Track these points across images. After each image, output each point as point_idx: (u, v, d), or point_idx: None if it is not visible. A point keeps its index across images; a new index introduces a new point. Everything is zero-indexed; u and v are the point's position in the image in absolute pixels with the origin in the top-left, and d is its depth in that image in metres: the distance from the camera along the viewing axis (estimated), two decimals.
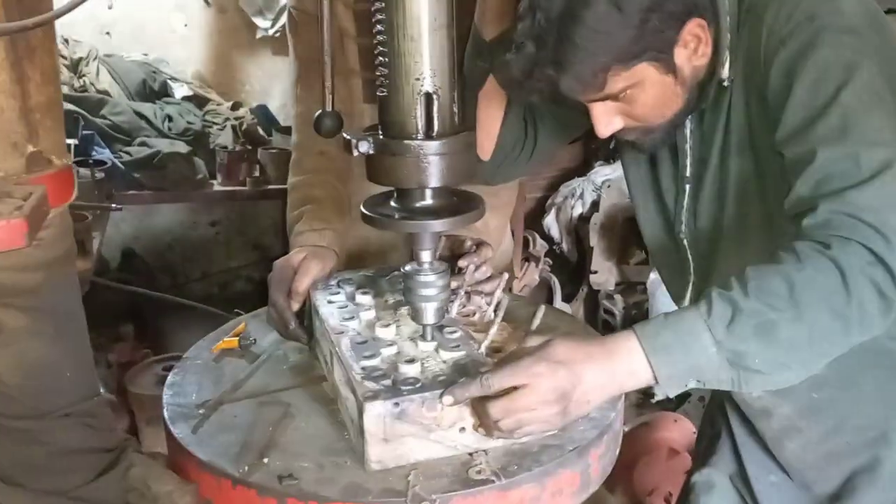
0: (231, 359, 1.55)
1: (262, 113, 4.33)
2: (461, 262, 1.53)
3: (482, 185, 1.80)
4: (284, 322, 1.50)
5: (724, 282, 1.20)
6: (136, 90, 4.10)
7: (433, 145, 1.17)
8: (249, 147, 3.93)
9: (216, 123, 4.12)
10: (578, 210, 4.28)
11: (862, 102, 1.18)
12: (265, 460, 1.21)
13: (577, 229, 4.28)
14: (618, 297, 4.03)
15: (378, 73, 1.20)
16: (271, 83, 4.64)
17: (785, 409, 1.53)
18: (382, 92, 1.20)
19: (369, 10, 1.18)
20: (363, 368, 1.25)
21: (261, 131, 4.22)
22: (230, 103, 4.32)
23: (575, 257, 4.30)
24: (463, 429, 1.21)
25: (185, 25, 4.44)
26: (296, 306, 1.52)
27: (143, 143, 3.73)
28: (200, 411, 1.35)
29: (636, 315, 3.94)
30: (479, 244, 1.59)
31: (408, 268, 1.30)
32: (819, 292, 1.13)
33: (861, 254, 1.13)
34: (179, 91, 4.22)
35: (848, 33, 1.22)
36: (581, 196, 4.29)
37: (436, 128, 1.17)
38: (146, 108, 3.91)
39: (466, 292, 1.49)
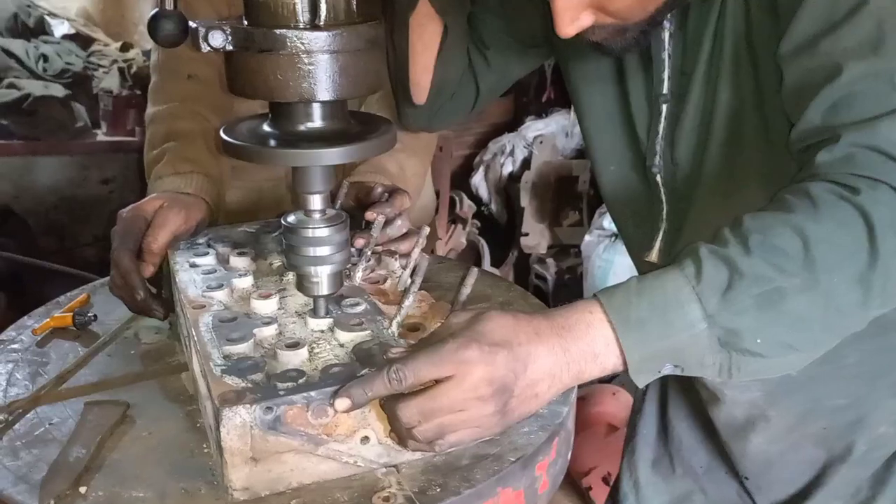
0: (62, 341, 1.17)
1: None
2: (369, 214, 1.18)
3: (413, 132, 1.47)
4: (131, 290, 1.12)
5: (714, 233, 0.89)
6: (5, 26, 3.57)
7: (320, 38, 0.81)
8: (139, 92, 3.45)
9: (102, 66, 3.62)
10: (508, 168, 3.98)
11: None
12: (82, 489, 0.85)
13: (507, 189, 3.98)
14: (550, 261, 3.75)
15: None
16: None
17: (752, 394, 1.27)
18: None
19: None
20: (225, 357, 0.90)
21: None
22: (119, 44, 3.82)
23: (504, 219, 4.01)
24: (366, 438, 0.87)
25: None
26: (149, 270, 1.15)
27: (11, 85, 3.22)
28: (1, 416, 0.97)
29: (569, 280, 3.67)
30: (393, 191, 1.24)
31: (291, 218, 0.95)
32: (840, 251, 0.85)
33: (891, 200, 0.85)
34: (59, 29, 3.71)
35: None
36: (511, 153, 3.99)
37: (323, 12, 0.81)
38: (16, 45, 3.39)
39: (376, 253, 1.15)
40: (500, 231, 4.02)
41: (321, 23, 0.82)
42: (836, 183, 0.87)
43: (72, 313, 1.18)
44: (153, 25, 0.92)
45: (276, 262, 1.16)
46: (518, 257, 3.87)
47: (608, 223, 3.30)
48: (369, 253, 1.12)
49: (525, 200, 3.80)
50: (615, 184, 1.33)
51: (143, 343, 1.16)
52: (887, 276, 0.85)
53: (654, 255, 1.29)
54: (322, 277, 0.95)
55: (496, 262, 3.86)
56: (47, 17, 3.70)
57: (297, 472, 0.85)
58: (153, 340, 1.17)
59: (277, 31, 0.80)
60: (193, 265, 1.13)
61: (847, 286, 0.85)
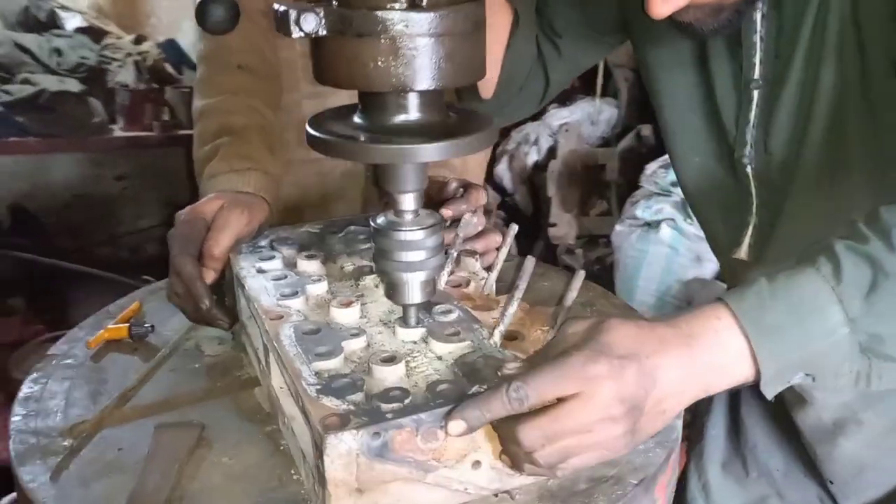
0: (118, 355, 1.08)
1: (172, 48, 3.75)
2: (445, 211, 1.09)
3: None
4: (195, 300, 1.04)
5: (853, 226, 0.80)
6: (17, 20, 3.47)
7: (425, 19, 0.72)
8: (156, 86, 3.36)
9: (116, 60, 3.53)
10: (533, 157, 3.89)
11: None
12: None
13: (532, 179, 3.89)
14: (578, 251, 3.67)
15: None
16: (181, 16, 4.03)
17: (844, 396, 1.18)
18: None
19: None
20: (317, 374, 0.81)
21: (169, 68, 3.65)
22: (132, 37, 3.73)
23: (530, 210, 3.92)
24: (477, 463, 0.79)
25: None
26: (210, 276, 1.06)
27: (25, 81, 3.14)
28: (66, 442, 0.89)
29: (598, 270, 3.58)
30: (467, 186, 1.15)
31: (380, 220, 0.86)
32: None
33: None
34: (71, 22, 3.61)
35: None
36: (536, 142, 3.90)
37: None
38: (29, 39, 3.30)
39: (456, 253, 1.06)
40: (525, 222, 3.92)
41: (423, 3, 0.73)
42: None
43: (127, 324, 1.10)
44: (202, 11, 0.84)
45: (348, 265, 1.07)
46: (545, 248, 3.78)
47: (641, 212, 3.20)
48: (455, 254, 1.03)
49: (551, 190, 3.71)
50: (699, 177, 1.24)
51: (207, 356, 1.08)
52: None
53: (742, 252, 1.21)
54: (414, 285, 0.86)
55: (522, 253, 3.77)
56: (58, 11, 3.60)
57: (404, 502, 0.77)
58: (217, 353, 1.08)
59: (378, 13, 0.71)
60: (261, 270, 1.04)
61: None
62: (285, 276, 1.02)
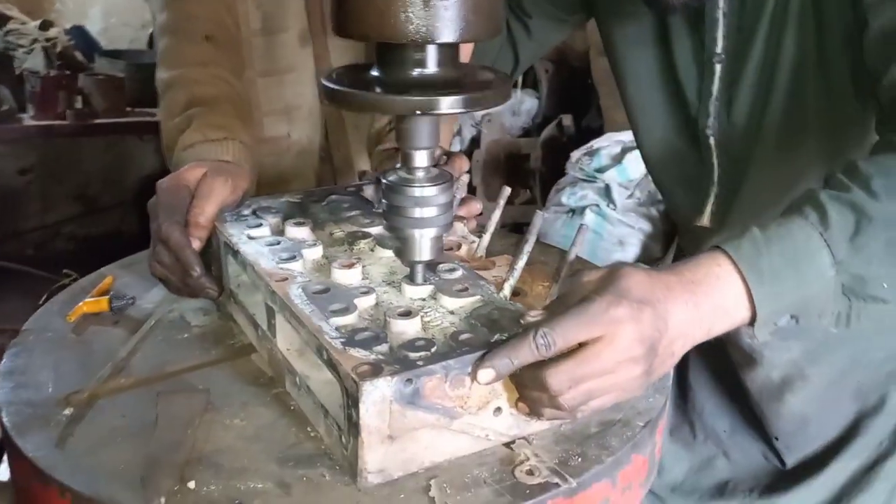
0: (100, 328, 1.05)
1: (80, 35, 3.59)
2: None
3: None
4: (184, 268, 1.01)
5: (831, 178, 0.87)
6: None
7: None
8: (68, 72, 3.21)
9: (21, 46, 3.35)
10: (457, 147, 3.92)
11: None
12: (191, 484, 0.75)
13: None
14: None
15: None
16: (88, 1, 3.88)
17: (791, 354, 1.27)
18: None
19: None
20: (337, 330, 0.81)
21: (79, 56, 3.50)
22: (38, 22, 3.55)
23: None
24: (498, 409, 0.81)
25: None
26: (197, 245, 1.04)
27: None
28: (65, 411, 0.86)
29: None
30: (450, 154, 1.17)
31: (393, 177, 0.87)
32: None
33: None
34: None
35: None
36: (459, 133, 3.93)
37: None
38: None
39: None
40: None
41: None
42: None
43: (107, 297, 1.06)
44: None
45: (337, 231, 1.07)
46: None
47: (566, 199, 3.29)
48: (452, 215, 1.04)
49: (476, 180, 3.76)
50: (662, 150, 1.30)
51: (195, 326, 1.05)
52: None
53: (705, 220, 1.27)
54: (425, 241, 0.88)
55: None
56: None
57: (431, 449, 0.78)
58: (204, 323, 1.06)
59: None
60: (251, 237, 1.03)
61: None
62: (278, 242, 1.01)
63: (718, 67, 1.15)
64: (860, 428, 1.29)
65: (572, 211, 3.34)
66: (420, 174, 0.86)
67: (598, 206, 3.20)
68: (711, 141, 1.20)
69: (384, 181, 0.87)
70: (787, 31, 1.07)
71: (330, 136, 1.58)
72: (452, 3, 0.74)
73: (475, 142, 3.86)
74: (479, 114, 3.89)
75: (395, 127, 0.84)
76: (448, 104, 0.78)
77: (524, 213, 3.78)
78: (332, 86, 0.80)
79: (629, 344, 0.76)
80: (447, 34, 0.75)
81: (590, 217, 3.26)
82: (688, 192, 1.28)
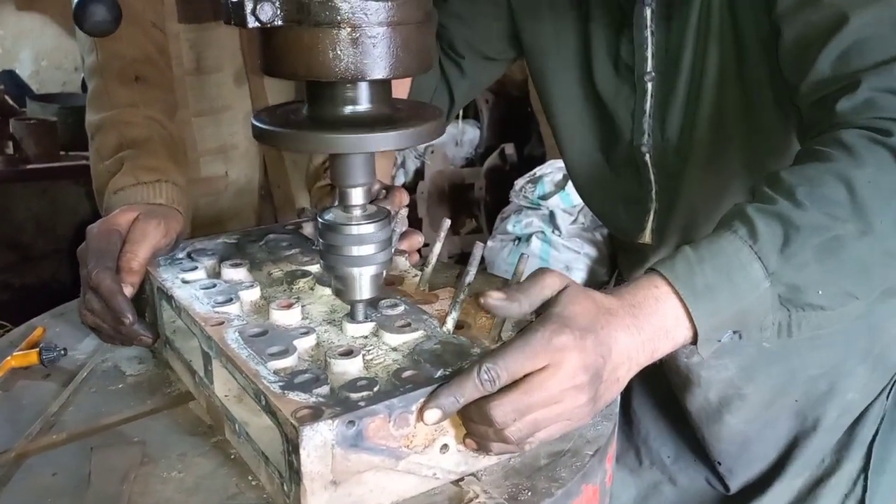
0: (29, 382, 1.00)
1: (11, 79, 3.51)
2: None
3: None
4: (116, 315, 0.98)
5: (757, 191, 0.89)
6: None
7: (383, 8, 0.73)
8: None
9: None
10: (401, 180, 3.94)
11: None
12: None
13: None
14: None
15: None
16: (18, 45, 3.80)
17: (727, 372, 1.29)
18: None
19: None
20: (276, 373, 0.79)
21: (10, 101, 3.41)
22: None
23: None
24: (445, 447, 0.80)
25: None
26: (129, 291, 1.00)
27: None
28: None
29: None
30: (389, 188, 1.16)
31: (329, 216, 0.86)
32: (885, 193, 0.87)
33: None
34: None
35: None
36: (403, 165, 3.95)
37: None
38: None
39: (393, 250, 1.06)
40: None
41: None
42: (864, 128, 0.89)
43: (37, 349, 1.02)
44: (81, 12, 0.80)
45: (276, 271, 1.05)
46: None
47: (511, 227, 3.32)
48: (392, 251, 1.03)
49: (422, 211, 3.76)
50: (594, 172, 1.32)
51: (129, 375, 1.02)
52: None
53: (646, 237, 1.29)
54: (364, 279, 0.86)
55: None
56: None
57: (377, 492, 0.76)
58: (139, 371, 1.03)
59: (336, 2, 0.72)
60: (185, 281, 1.00)
61: (894, 226, 0.87)
62: (214, 285, 0.98)
63: (650, 85, 1.17)
64: (800, 447, 1.30)
65: (518, 239, 3.36)
66: (356, 212, 0.85)
67: (543, 232, 3.23)
68: (647, 158, 1.21)
69: (321, 220, 0.85)
70: (711, 45, 1.09)
71: (269, 174, 1.56)
72: (381, 39, 0.73)
73: (419, 173, 3.87)
74: (421, 146, 3.91)
75: (329, 165, 0.83)
76: (379, 141, 0.78)
77: (470, 243, 3.78)
78: (261, 125, 0.79)
79: (573, 372, 0.76)
80: (377, 71, 0.75)
81: (536, 244, 3.28)
82: (629, 211, 1.30)
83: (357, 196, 0.84)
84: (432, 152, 3.83)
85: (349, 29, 0.72)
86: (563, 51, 1.25)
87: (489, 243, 3.45)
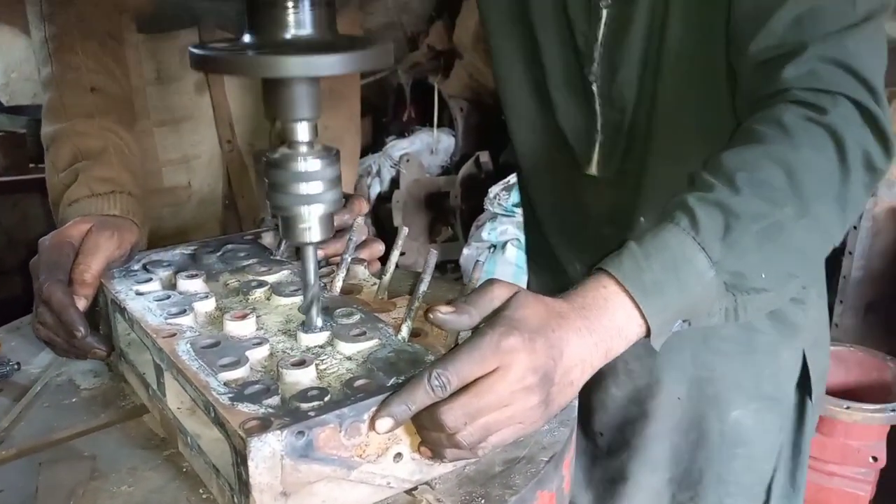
0: None
1: None
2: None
3: None
4: (68, 329, 0.96)
5: (697, 177, 0.89)
6: None
7: None
8: None
9: None
10: (376, 189, 3.93)
11: None
12: None
13: (376, 210, 3.91)
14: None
15: None
16: None
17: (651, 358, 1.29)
18: None
19: None
20: (226, 385, 0.78)
21: None
22: None
23: None
24: (399, 455, 0.79)
25: None
26: (83, 304, 0.99)
27: None
28: None
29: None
30: (349, 196, 1.15)
31: (275, 154, 0.82)
32: (821, 174, 0.88)
33: (851, 114, 0.90)
34: None
35: None
36: (378, 174, 3.94)
37: None
38: None
39: (349, 259, 1.05)
40: None
41: None
42: (802, 104, 0.90)
43: None
44: None
45: (232, 281, 1.04)
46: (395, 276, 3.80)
47: (486, 234, 3.32)
48: (349, 259, 1.03)
49: (398, 220, 3.76)
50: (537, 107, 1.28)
51: (84, 389, 1.00)
52: (857, 189, 0.89)
53: (593, 168, 1.25)
54: (313, 220, 0.84)
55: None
56: None
57: (329, 502, 0.75)
58: (94, 385, 1.01)
59: None
60: (139, 293, 0.99)
61: (829, 206, 0.88)
62: (168, 297, 0.97)
63: (605, 13, 1.12)
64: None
65: (494, 246, 3.36)
66: (303, 148, 0.81)
67: (518, 239, 3.23)
68: (594, 88, 1.17)
69: (266, 157, 0.82)
70: None
71: (233, 185, 1.55)
72: None
73: (395, 182, 3.86)
74: (396, 154, 3.90)
75: (270, 99, 0.79)
76: (324, 64, 0.74)
77: (447, 251, 3.79)
78: (198, 52, 0.76)
79: (522, 373, 0.75)
80: None
81: (511, 251, 3.28)
82: (578, 141, 1.26)
83: (303, 131, 0.81)
84: (408, 161, 3.83)
85: None
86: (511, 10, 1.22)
87: (464, 251, 3.45)
